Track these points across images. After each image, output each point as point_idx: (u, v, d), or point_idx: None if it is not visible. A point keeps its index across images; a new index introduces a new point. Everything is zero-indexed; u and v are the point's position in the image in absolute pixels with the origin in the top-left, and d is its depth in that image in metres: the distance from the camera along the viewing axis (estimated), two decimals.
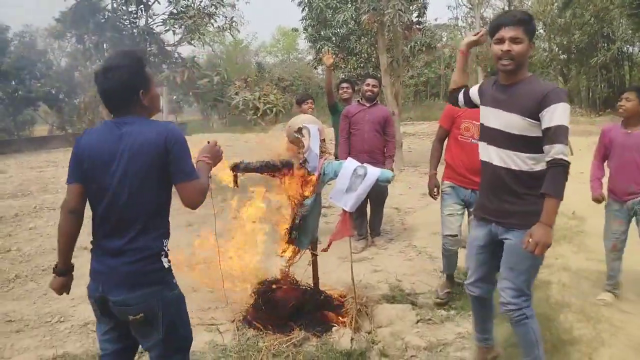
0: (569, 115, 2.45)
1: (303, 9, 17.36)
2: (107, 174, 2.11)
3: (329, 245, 3.87)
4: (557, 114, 2.42)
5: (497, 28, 2.59)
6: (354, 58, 18.00)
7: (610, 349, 3.19)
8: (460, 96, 3.04)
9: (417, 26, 15.88)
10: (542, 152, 2.48)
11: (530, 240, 2.42)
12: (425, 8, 15.73)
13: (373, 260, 5.37)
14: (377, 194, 5.62)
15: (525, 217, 2.54)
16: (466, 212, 4.29)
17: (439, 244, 5.63)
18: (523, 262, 2.61)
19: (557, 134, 2.40)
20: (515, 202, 2.62)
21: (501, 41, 2.56)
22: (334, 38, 18.62)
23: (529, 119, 2.52)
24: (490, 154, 2.72)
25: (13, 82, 28.83)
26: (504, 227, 2.69)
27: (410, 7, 13.65)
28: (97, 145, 2.13)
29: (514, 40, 2.53)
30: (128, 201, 2.12)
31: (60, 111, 32.09)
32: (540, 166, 2.53)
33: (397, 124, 11.77)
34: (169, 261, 2.22)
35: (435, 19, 29.75)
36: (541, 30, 30.59)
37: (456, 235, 4.18)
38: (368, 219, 6.02)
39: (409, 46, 16.96)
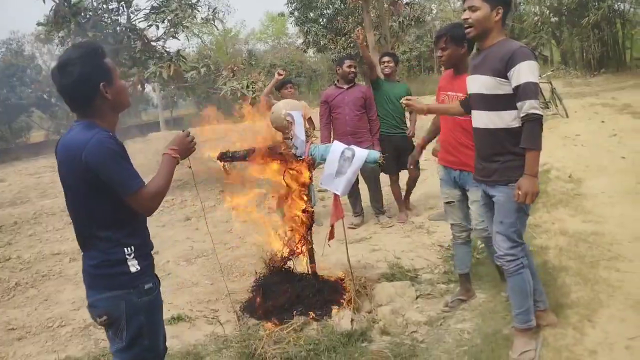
0: (536, 72, 2.61)
1: None
2: (62, 180, 2.08)
3: (331, 233, 3.86)
4: (522, 72, 2.57)
5: (463, 1, 2.82)
6: (343, 38, 17.88)
7: (608, 309, 3.17)
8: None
9: (404, 1, 15.75)
10: (511, 108, 2.66)
11: (519, 192, 2.63)
12: None
13: (371, 240, 5.37)
14: (369, 172, 5.63)
15: (505, 172, 2.75)
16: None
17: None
18: (510, 214, 2.78)
19: (526, 91, 2.56)
20: (495, 160, 2.79)
21: (464, 11, 2.78)
22: (321, 20, 18.51)
23: (498, 78, 2.68)
24: (475, 117, 2.90)
25: (4, 90, 28.68)
26: (489, 185, 2.88)
27: None
28: (57, 151, 2.08)
29: (471, 8, 2.73)
30: (74, 212, 2.08)
31: (54, 116, 32.05)
32: (515, 123, 2.68)
33: None
34: (139, 264, 2.06)
35: None
36: None
37: (460, 223, 3.62)
38: (369, 196, 6.02)
39: (397, 22, 16.83)
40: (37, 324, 4.14)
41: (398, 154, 5.68)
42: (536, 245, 4.35)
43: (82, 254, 2.12)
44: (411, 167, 4.30)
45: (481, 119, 2.84)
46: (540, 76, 12.97)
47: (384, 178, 6.08)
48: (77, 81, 1.95)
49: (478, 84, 2.81)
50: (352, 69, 5.70)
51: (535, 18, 26.08)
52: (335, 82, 5.97)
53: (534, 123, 2.58)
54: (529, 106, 2.56)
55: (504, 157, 2.75)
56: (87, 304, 2.09)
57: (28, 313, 4.42)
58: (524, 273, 2.83)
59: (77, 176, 1.96)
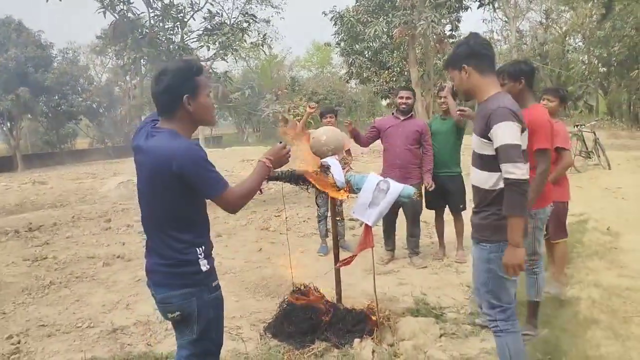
0: (514, 132, 2.44)
1: (335, 24, 17.59)
2: (138, 178, 2.25)
3: (351, 259, 3.85)
4: (499, 134, 2.44)
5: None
6: (386, 72, 18.07)
7: None
8: None
9: (450, 39, 15.87)
10: (495, 170, 2.52)
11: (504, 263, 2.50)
12: (459, 21, 15.67)
13: (399, 274, 5.33)
14: (410, 209, 5.50)
15: (482, 230, 2.66)
16: None
17: (466, 257, 5.60)
18: (480, 275, 2.71)
19: (503, 154, 2.43)
20: (478, 216, 2.70)
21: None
22: (366, 52, 18.78)
23: (482, 139, 2.58)
24: (471, 173, 2.81)
25: (56, 97, 29.92)
26: (472, 238, 2.79)
27: (443, 20, 13.65)
28: (135, 148, 2.24)
29: (452, 79, 2.82)
30: (151, 212, 2.23)
31: (100, 125, 33.22)
32: (498, 184, 2.54)
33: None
34: (208, 264, 2.24)
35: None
36: (580, 43, 29.97)
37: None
38: (407, 231, 5.94)
39: (442, 59, 16.93)
40: (67, 323, 4.27)
41: (444, 192, 5.61)
42: (568, 295, 4.25)
43: (148, 253, 2.28)
44: None
45: (474, 176, 2.73)
46: (584, 125, 12.79)
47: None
48: (164, 90, 2.16)
49: (473, 141, 2.70)
50: (404, 100, 5.54)
51: (583, 67, 25.82)
52: (393, 111, 5.83)
53: (510, 187, 2.42)
54: (505, 170, 2.43)
55: (485, 214, 2.64)
56: (157, 300, 2.26)
57: (59, 312, 4.56)
58: (502, 337, 2.68)
59: (165, 181, 2.10)
